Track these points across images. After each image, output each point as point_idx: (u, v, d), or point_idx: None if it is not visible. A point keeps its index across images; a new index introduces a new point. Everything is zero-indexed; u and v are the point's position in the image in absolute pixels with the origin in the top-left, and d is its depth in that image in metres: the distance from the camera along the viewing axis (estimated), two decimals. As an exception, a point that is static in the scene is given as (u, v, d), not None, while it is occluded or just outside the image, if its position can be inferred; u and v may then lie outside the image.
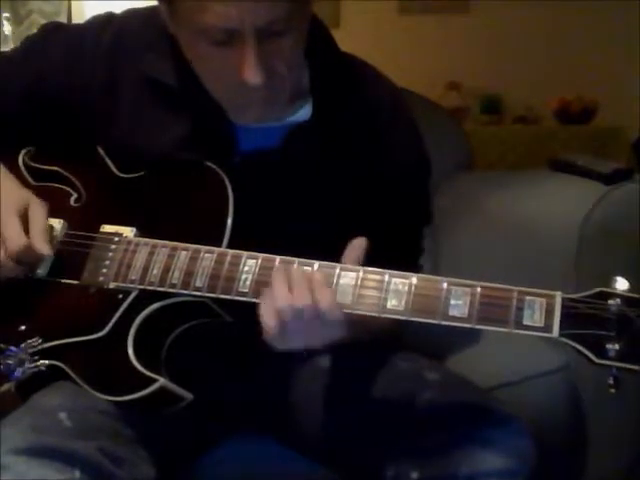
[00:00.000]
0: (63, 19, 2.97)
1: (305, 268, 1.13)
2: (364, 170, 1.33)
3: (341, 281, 1.12)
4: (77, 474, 1.08)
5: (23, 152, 1.41)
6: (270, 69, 1.17)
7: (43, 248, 1.26)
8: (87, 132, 1.37)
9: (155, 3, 1.27)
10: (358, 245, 1.14)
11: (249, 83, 1.16)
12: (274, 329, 1.09)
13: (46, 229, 1.28)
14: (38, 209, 1.28)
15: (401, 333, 1.32)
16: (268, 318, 1.09)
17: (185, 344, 1.24)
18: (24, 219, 1.27)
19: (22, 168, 1.39)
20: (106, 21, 1.38)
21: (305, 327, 1.09)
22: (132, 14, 1.40)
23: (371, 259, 1.13)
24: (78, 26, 1.44)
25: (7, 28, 3.01)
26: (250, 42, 1.14)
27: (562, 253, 1.72)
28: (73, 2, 3.07)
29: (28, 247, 1.25)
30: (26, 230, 1.26)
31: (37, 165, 1.40)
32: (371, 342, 1.29)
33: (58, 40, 1.39)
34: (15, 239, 1.24)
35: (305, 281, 1.09)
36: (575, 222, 1.71)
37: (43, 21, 2.90)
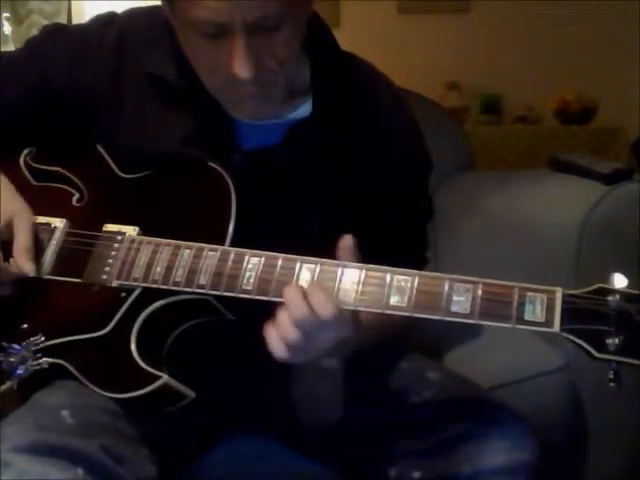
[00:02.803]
0: (63, 19, 2.97)
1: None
2: (365, 166, 1.34)
3: (344, 279, 1.12)
4: (79, 472, 1.08)
5: (24, 153, 1.41)
6: (260, 64, 1.17)
7: (25, 267, 1.26)
8: (90, 132, 1.37)
9: (154, 3, 1.27)
10: (345, 245, 1.13)
11: (238, 77, 1.17)
12: (283, 352, 1.09)
13: (29, 246, 1.27)
14: (23, 223, 1.28)
15: (408, 334, 1.32)
16: (275, 343, 1.09)
17: (187, 342, 1.24)
18: (8, 233, 1.26)
19: (23, 169, 1.40)
20: (108, 21, 1.39)
21: (312, 336, 1.09)
22: (134, 13, 1.40)
23: (374, 256, 1.13)
24: (80, 27, 1.44)
25: (7, 28, 3.01)
26: (240, 36, 1.14)
27: (562, 253, 1.72)
28: (73, 2, 3.07)
29: (5, 269, 1.24)
30: (10, 245, 1.26)
31: (38, 166, 1.40)
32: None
33: (61, 41, 1.39)
34: None
35: (298, 294, 1.09)
36: (575, 222, 1.71)
37: (43, 21, 2.90)
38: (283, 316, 1.08)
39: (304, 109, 1.33)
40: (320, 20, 1.35)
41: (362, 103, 1.35)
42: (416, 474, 1.21)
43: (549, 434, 1.36)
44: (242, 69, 1.16)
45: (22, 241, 1.27)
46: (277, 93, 1.26)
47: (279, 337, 1.08)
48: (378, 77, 1.41)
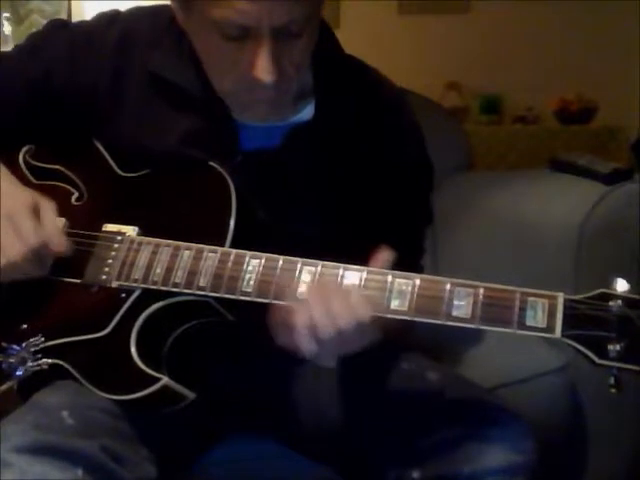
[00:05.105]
0: (63, 19, 2.97)
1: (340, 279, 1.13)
2: (365, 171, 1.33)
3: (345, 281, 1.12)
4: (80, 473, 1.08)
5: (24, 150, 1.41)
6: (281, 69, 1.18)
7: (62, 244, 1.25)
8: (90, 130, 1.37)
9: (154, 2, 1.27)
10: (384, 258, 1.13)
11: (260, 81, 1.17)
12: (313, 351, 1.09)
13: (59, 227, 1.27)
14: (49, 208, 1.28)
15: (406, 336, 1.32)
16: (306, 342, 1.08)
17: (186, 343, 1.24)
18: (36, 218, 1.26)
19: (23, 166, 1.39)
20: (112, 19, 1.39)
21: (343, 341, 1.09)
22: (138, 12, 1.40)
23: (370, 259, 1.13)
24: (84, 24, 1.44)
25: (7, 28, 3.02)
26: (266, 41, 1.14)
27: (562, 253, 1.72)
28: (73, 2, 3.07)
29: (46, 244, 1.24)
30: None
31: (38, 163, 1.40)
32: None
33: (64, 37, 1.39)
34: (34, 235, 1.23)
35: (344, 300, 1.08)
36: (575, 222, 1.71)
37: (43, 21, 2.90)
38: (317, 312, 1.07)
39: (307, 112, 1.33)
40: (323, 23, 1.34)
41: (364, 107, 1.35)
42: (416, 474, 1.21)
43: (549, 434, 1.36)
44: (266, 73, 1.16)
45: (53, 224, 1.26)
46: (288, 98, 1.26)
47: (310, 330, 1.07)
48: (381, 81, 1.41)
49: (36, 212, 1.26)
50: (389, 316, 1.10)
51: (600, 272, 1.65)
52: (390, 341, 1.29)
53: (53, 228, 1.26)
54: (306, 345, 1.08)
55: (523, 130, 4.15)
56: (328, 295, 1.08)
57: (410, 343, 1.38)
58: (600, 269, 1.66)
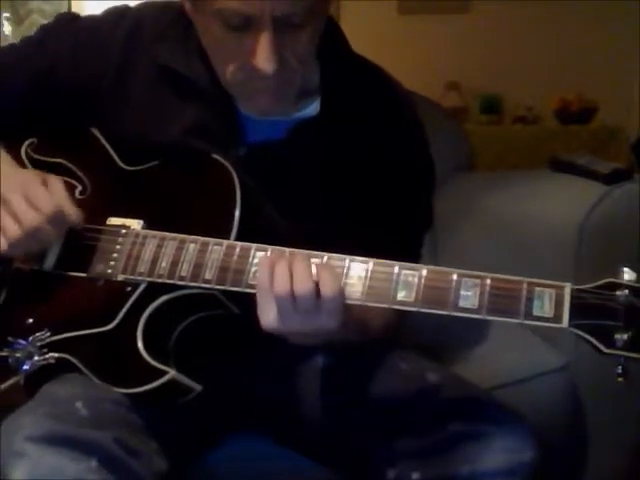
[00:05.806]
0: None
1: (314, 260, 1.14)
2: (367, 169, 1.34)
3: (351, 272, 1.12)
4: (93, 463, 1.08)
5: (26, 144, 1.41)
6: (282, 60, 1.18)
7: (75, 212, 1.27)
8: (93, 123, 1.38)
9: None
10: None
11: (261, 70, 1.17)
12: (271, 316, 1.10)
13: (69, 200, 1.28)
14: (56, 182, 1.29)
15: (398, 330, 1.33)
16: (264, 302, 1.10)
17: (191, 335, 1.25)
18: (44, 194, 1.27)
19: (25, 160, 1.39)
20: (122, 13, 1.40)
21: (303, 312, 1.09)
22: (147, 6, 1.41)
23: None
24: (93, 17, 1.45)
25: (7, 28, 3.02)
26: (267, 30, 1.15)
27: (562, 253, 1.72)
28: (73, 2, 3.08)
29: (61, 211, 1.25)
30: None
31: (41, 157, 1.40)
32: (370, 344, 1.30)
33: (70, 32, 1.40)
34: (48, 202, 1.24)
35: (308, 267, 1.10)
36: (575, 222, 1.71)
37: (43, 21, 2.89)
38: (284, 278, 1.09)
39: (312, 109, 1.33)
40: (333, 21, 1.35)
41: (370, 106, 1.36)
42: (415, 475, 1.21)
43: (549, 434, 1.36)
44: (266, 63, 1.17)
45: (63, 193, 1.28)
46: (291, 91, 1.26)
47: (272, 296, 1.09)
48: (387, 80, 1.42)
49: (45, 184, 1.27)
50: (395, 307, 1.11)
51: (600, 272, 1.65)
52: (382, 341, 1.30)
53: (64, 196, 1.27)
54: (263, 305, 1.10)
55: (523, 130, 4.14)
56: (293, 259, 1.10)
57: (410, 343, 1.39)
58: (600, 269, 1.66)
